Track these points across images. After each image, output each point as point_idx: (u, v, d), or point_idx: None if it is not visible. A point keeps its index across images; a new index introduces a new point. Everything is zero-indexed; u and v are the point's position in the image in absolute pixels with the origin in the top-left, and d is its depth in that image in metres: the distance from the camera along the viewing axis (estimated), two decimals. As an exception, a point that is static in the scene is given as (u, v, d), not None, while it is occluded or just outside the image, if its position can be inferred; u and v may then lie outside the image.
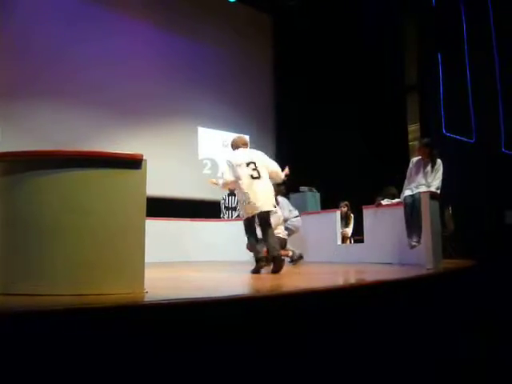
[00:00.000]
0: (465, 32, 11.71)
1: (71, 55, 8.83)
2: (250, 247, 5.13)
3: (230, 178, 4.91)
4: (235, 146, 5.20)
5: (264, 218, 4.83)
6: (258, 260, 4.82)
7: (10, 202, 2.60)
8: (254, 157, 4.98)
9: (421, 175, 5.52)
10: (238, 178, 4.85)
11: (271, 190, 4.95)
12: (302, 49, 11.02)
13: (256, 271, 4.73)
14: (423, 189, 5.40)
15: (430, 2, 10.88)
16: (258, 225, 5.01)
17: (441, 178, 5.43)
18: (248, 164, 4.89)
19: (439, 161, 5.52)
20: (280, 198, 6.48)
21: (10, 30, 8.24)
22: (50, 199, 2.55)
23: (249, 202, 4.79)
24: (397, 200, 6.75)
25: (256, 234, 5.02)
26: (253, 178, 4.83)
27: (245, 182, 4.81)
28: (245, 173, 4.83)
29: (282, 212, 6.31)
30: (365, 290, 3.22)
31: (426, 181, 5.48)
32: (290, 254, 6.18)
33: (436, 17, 10.80)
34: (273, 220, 5.23)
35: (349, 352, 2.70)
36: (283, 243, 5.93)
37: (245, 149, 5.14)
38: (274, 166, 5.12)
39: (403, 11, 10.41)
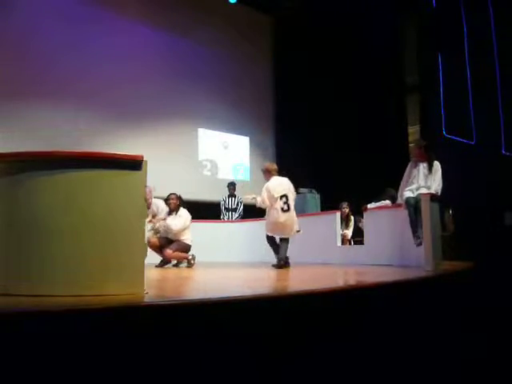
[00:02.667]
0: (465, 33, 11.71)
1: (71, 56, 8.85)
2: (276, 253, 5.99)
3: (268, 203, 5.83)
4: (269, 173, 6.01)
5: (284, 239, 5.91)
6: (280, 262, 5.81)
7: (9, 203, 2.60)
8: (287, 189, 5.90)
9: (421, 177, 5.53)
10: (272, 206, 5.80)
11: (294, 220, 5.91)
12: (302, 50, 11.03)
13: (279, 267, 5.72)
14: (424, 191, 5.42)
15: (431, 2, 10.88)
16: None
17: (440, 180, 5.44)
18: (281, 197, 5.80)
19: (437, 163, 5.53)
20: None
21: (9, 32, 8.25)
22: (50, 200, 2.55)
23: (274, 229, 5.88)
24: (382, 203, 6.81)
25: (276, 244, 6.00)
26: (283, 210, 5.77)
27: (275, 214, 5.79)
28: (278, 205, 5.77)
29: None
30: (365, 291, 3.22)
31: (426, 183, 5.49)
32: (190, 257, 6.60)
33: (436, 17, 10.80)
34: (180, 224, 6.54)
35: (350, 352, 2.70)
36: (188, 248, 6.63)
37: (278, 177, 5.99)
38: (294, 195, 6.07)
39: (403, 11, 10.41)
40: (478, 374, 3.28)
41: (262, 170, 6.18)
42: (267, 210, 5.95)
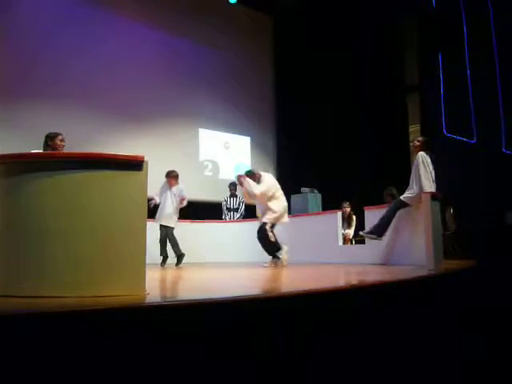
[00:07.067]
0: (465, 32, 11.70)
1: (72, 58, 8.85)
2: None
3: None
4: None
5: None
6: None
7: (10, 204, 2.60)
8: None
9: (411, 177, 5.53)
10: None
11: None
12: (302, 50, 11.02)
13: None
14: (406, 193, 5.52)
15: (431, 2, 10.88)
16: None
17: (422, 177, 5.30)
18: None
19: (419, 155, 5.39)
20: None
21: (12, 33, 8.25)
22: (51, 201, 2.55)
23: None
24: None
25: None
26: None
27: None
28: None
29: None
30: (366, 290, 3.22)
31: (413, 183, 5.46)
32: None
33: (436, 17, 10.79)
34: None
35: (350, 352, 2.70)
36: None
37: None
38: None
39: (403, 11, 10.40)
40: (478, 374, 3.28)
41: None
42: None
